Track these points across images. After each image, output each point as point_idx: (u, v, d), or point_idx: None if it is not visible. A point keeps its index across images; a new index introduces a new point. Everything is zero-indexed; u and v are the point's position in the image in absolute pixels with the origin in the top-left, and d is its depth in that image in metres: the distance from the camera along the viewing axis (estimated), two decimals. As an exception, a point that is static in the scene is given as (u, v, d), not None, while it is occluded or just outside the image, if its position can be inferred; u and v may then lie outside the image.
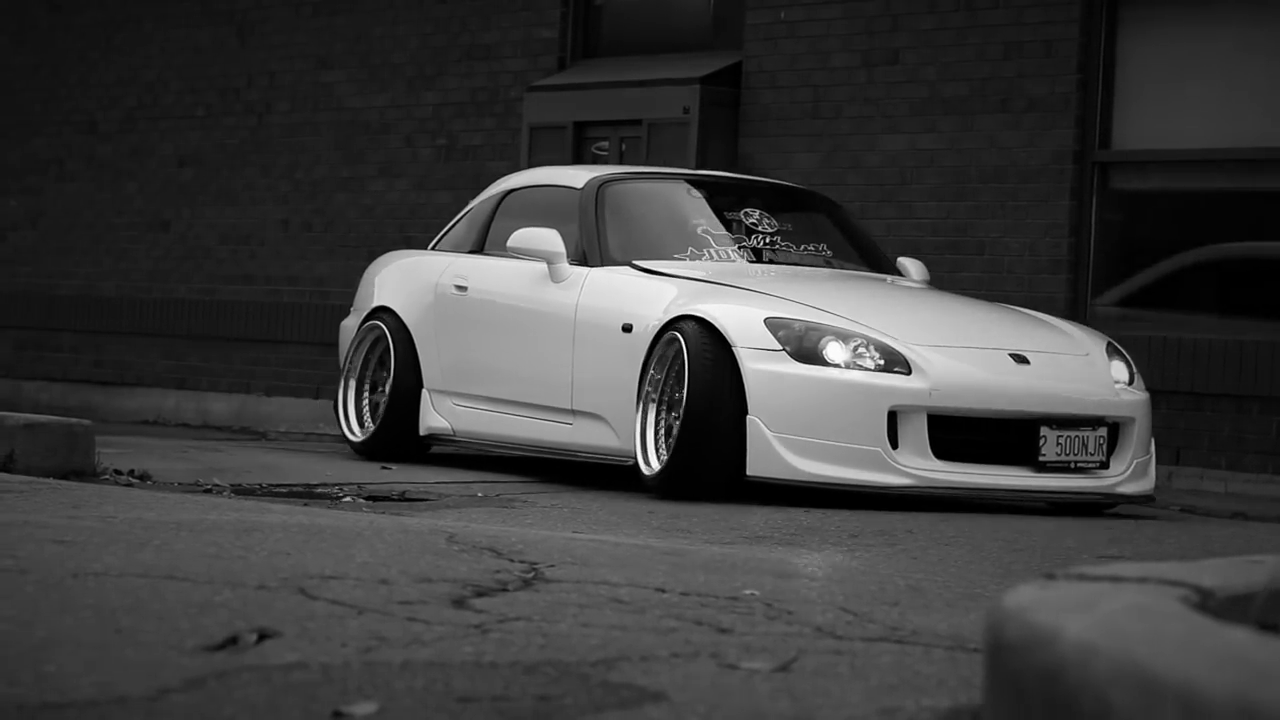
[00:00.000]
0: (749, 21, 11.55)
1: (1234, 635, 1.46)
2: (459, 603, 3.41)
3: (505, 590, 3.65)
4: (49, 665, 2.55)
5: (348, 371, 9.70)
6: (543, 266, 8.73)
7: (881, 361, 7.66)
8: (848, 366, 7.64)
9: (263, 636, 2.89)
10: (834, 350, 7.68)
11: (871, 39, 10.97)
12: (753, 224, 8.83)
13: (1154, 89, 10.08)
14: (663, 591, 3.81)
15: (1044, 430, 7.75)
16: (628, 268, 8.51)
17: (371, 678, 2.62)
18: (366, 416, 9.57)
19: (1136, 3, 10.22)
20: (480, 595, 3.54)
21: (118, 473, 7.39)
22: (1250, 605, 2.06)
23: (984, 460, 7.70)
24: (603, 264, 8.59)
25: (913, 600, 4.00)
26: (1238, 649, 1.35)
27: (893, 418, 7.60)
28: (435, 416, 9.27)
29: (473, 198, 12.64)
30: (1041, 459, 7.76)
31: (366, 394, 9.62)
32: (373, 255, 13.60)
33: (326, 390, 13.74)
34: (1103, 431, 7.84)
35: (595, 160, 12.02)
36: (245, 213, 14.45)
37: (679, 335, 7.77)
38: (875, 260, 9.17)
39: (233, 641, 2.84)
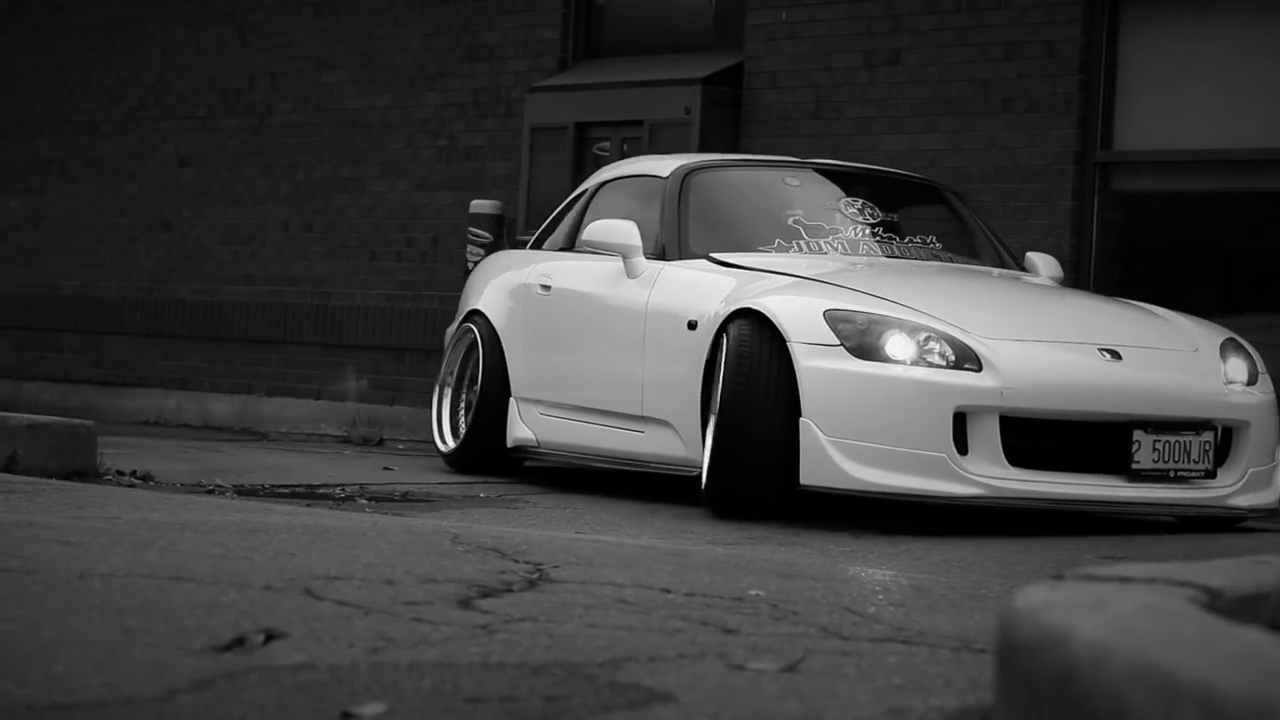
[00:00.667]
0: (750, 22, 11.56)
1: (1249, 635, 1.46)
2: (465, 603, 3.41)
3: (510, 591, 3.66)
4: (57, 666, 2.55)
5: (442, 379, 9.26)
6: (619, 262, 8.18)
7: (952, 357, 6.95)
8: (913, 363, 6.94)
9: (270, 637, 2.89)
10: (897, 344, 6.97)
11: (873, 39, 10.98)
12: (854, 214, 8.21)
13: (1156, 89, 10.08)
14: (668, 592, 3.81)
15: (1137, 434, 7.03)
16: (704, 261, 7.91)
17: (379, 678, 2.62)
18: (462, 426, 9.03)
19: (1138, 3, 10.23)
20: (486, 596, 3.54)
21: (120, 474, 7.40)
22: (1261, 605, 2.06)
23: (1068, 468, 6.99)
24: (680, 257, 8.03)
25: (917, 601, 4.00)
26: (1254, 649, 1.35)
27: (961, 420, 6.90)
28: (521, 427, 8.68)
29: (474, 199, 12.64)
30: (1135, 466, 7.02)
31: (462, 403, 9.16)
32: (374, 256, 13.62)
33: (328, 391, 13.74)
34: (1209, 436, 7.13)
35: (598, 160, 12.01)
36: (246, 213, 14.46)
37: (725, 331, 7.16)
38: (994, 254, 8.51)
39: (240, 642, 2.84)
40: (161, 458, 8.83)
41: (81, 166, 15.46)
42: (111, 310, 15.07)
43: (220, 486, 7.35)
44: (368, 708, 2.40)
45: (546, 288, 8.73)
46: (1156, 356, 7.26)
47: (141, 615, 3.03)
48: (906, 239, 8.23)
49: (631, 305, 8.01)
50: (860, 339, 6.99)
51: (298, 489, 7.60)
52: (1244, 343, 7.50)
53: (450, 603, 3.40)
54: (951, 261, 8.22)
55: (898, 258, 8.12)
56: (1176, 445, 7.10)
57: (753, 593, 3.92)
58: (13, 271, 15.87)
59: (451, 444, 8.93)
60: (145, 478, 7.35)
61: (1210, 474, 7.13)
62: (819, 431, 6.91)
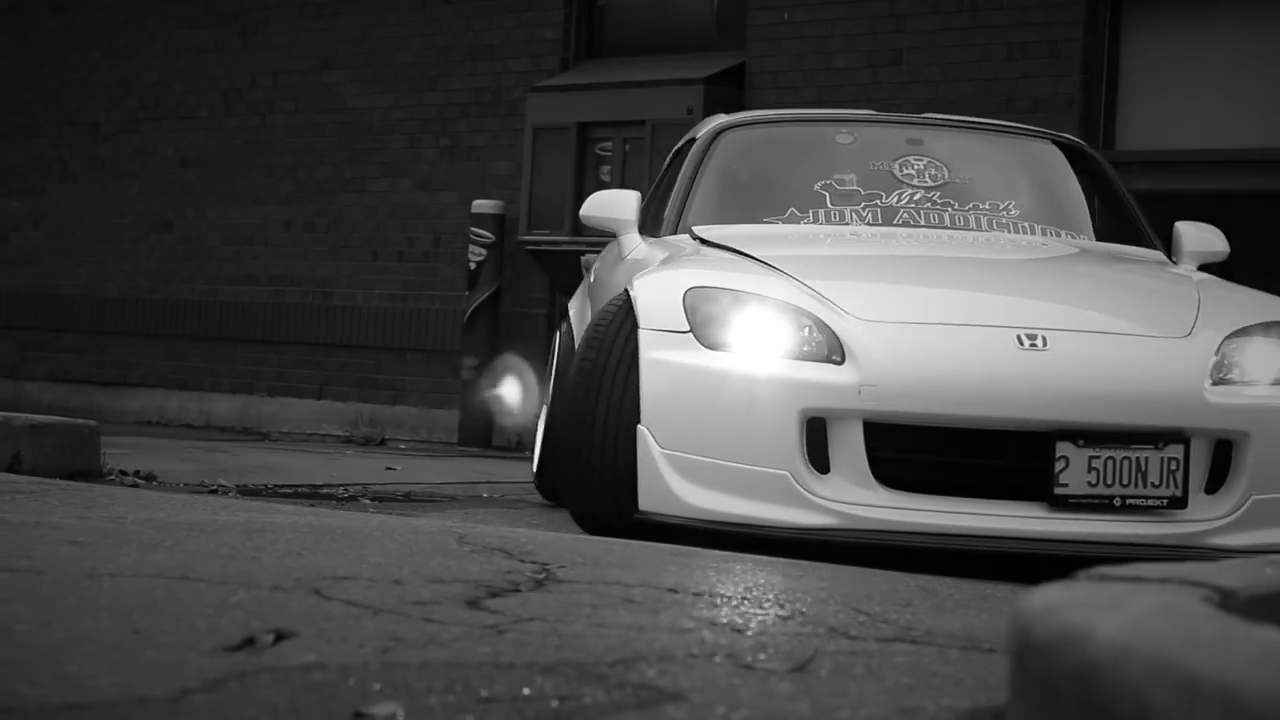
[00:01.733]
0: (752, 22, 11.56)
1: (1266, 635, 1.46)
2: (473, 603, 3.42)
3: (518, 591, 3.66)
4: (69, 666, 2.55)
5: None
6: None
7: (822, 348, 5.53)
8: (778, 355, 5.52)
9: (280, 637, 2.89)
10: (756, 330, 5.57)
11: (875, 39, 10.98)
12: (909, 176, 6.99)
13: (1157, 90, 10.09)
14: (675, 592, 3.81)
15: (1063, 447, 5.38)
16: (684, 236, 6.76)
17: (391, 678, 2.62)
18: None
19: (1140, 4, 10.23)
20: (494, 596, 3.54)
21: (123, 474, 7.40)
22: (1274, 605, 2.06)
23: (966, 492, 5.44)
24: (666, 232, 6.94)
25: (924, 600, 4.00)
26: (1273, 648, 1.35)
27: (820, 429, 5.46)
28: None
29: (476, 199, 12.66)
30: (1060, 491, 5.38)
31: None
32: (376, 256, 13.63)
33: (329, 391, 13.75)
34: (1176, 452, 5.41)
35: (599, 161, 12.01)
36: (248, 213, 14.46)
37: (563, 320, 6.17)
38: (1100, 224, 7.18)
39: (250, 642, 2.84)
40: (164, 458, 8.84)
41: (83, 167, 15.46)
42: (113, 310, 15.07)
43: (224, 486, 7.35)
44: (380, 708, 2.40)
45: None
46: (1107, 344, 5.62)
47: (151, 615, 3.04)
48: (971, 205, 6.91)
49: (609, 293, 6.80)
50: (713, 324, 5.61)
51: (301, 489, 7.60)
52: None
53: (458, 603, 3.40)
54: (1019, 232, 6.84)
55: (943, 227, 6.81)
56: (1126, 463, 5.45)
57: (759, 592, 3.92)
58: (14, 272, 15.87)
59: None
60: (149, 478, 7.35)
61: (1178, 502, 5.45)
62: (654, 443, 5.59)
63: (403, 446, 12.22)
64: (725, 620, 3.41)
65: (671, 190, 7.28)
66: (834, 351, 5.51)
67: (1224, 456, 5.57)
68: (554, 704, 2.51)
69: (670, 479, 5.53)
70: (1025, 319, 5.66)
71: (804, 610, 3.64)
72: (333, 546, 4.26)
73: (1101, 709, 1.39)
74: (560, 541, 4.87)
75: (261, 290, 14.13)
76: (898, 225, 6.81)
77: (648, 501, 5.56)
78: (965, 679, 2.90)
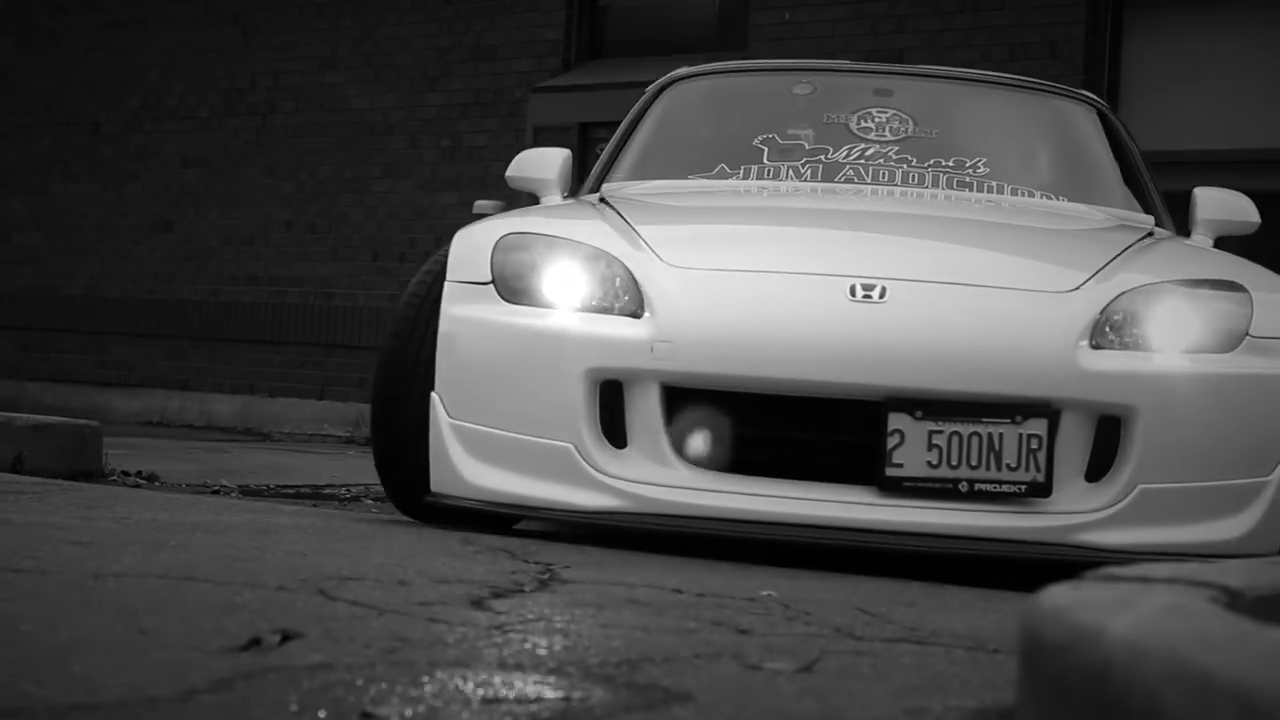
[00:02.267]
0: (754, 22, 11.56)
1: (1278, 635, 1.46)
2: (478, 604, 3.42)
3: (523, 591, 3.66)
4: (76, 666, 2.55)
5: None
6: None
7: (623, 299, 4.78)
8: (577, 307, 4.80)
9: (286, 638, 2.89)
10: (559, 278, 4.85)
11: (877, 40, 10.98)
12: (865, 129, 6.22)
13: (1159, 90, 10.09)
14: (679, 592, 3.81)
15: (897, 420, 4.56)
16: (592, 197, 5.97)
17: (398, 679, 2.62)
18: None
19: (1141, 4, 10.23)
20: (498, 596, 3.54)
21: (125, 474, 7.40)
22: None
23: (783, 472, 4.64)
24: (584, 192, 6.23)
25: (929, 600, 4.00)
26: (1285, 649, 1.36)
27: (616, 394, 4.70)
28: None
29: (478, 199, 12.66)
30: (892, 472, 4.57)
31: None
32: (377, 256, 13.63)
33: (330, 391, 13.74)
34: (1038, 428, 4.56)
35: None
36: (249, 214, 14.46)
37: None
38: (1087, 184, 6.29)
39: (256, 643, 2.84)
40: (166, 458, 8.84)
41: (84, 167, 15.46)
42: (114, 311, 15.08)
43: (226, 487, 7.35)
44: (386, 708, 2.40)
45: None
46: (960, 296, 4.73)
47: (157, 615, 3.04)
48: (932, 161, 6.11)
49: None
50: (518, 274, 4.91)
51: (303, 489, 7.61)
52: (1242, 284, 4.92)
53: (464, 603, 3.40)
54: (983, 191, 6.02)
55: (891, 185, 6.01)
56: (975, 440, 4.60)
57: (764, 593, 3.92)
58: (16, 272, 15.87)
59: None
60: (151, 478, 7.35)
61: (1040, 489, 4.59)
62: (443, 413, 4.93)
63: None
64: (730, 621, 3.41)
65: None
66: (635, 303, 4.76)
67: (1113, 436, 4.65)
68: (561, 705, 2.51)
69: (455, 454, 4.86)
70: (867, 268, 4.78)
71: (808, 611, 3.64)
72: (337, 547, 4.26)
73: (1114, 709, 1.39)
74: (564, 542, 4.88)
75: (263, 291, 14.13)
76: (839, 182, 5.98)
77: (438, 481, 4.91)
78: (972, 679, 2.90)
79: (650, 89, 6.74)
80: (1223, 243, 6.02)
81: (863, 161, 6.13)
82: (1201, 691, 1.24)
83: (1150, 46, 10.10)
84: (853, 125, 6.30)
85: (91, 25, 15.42)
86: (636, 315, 4.74)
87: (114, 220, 15.10)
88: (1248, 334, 4.80)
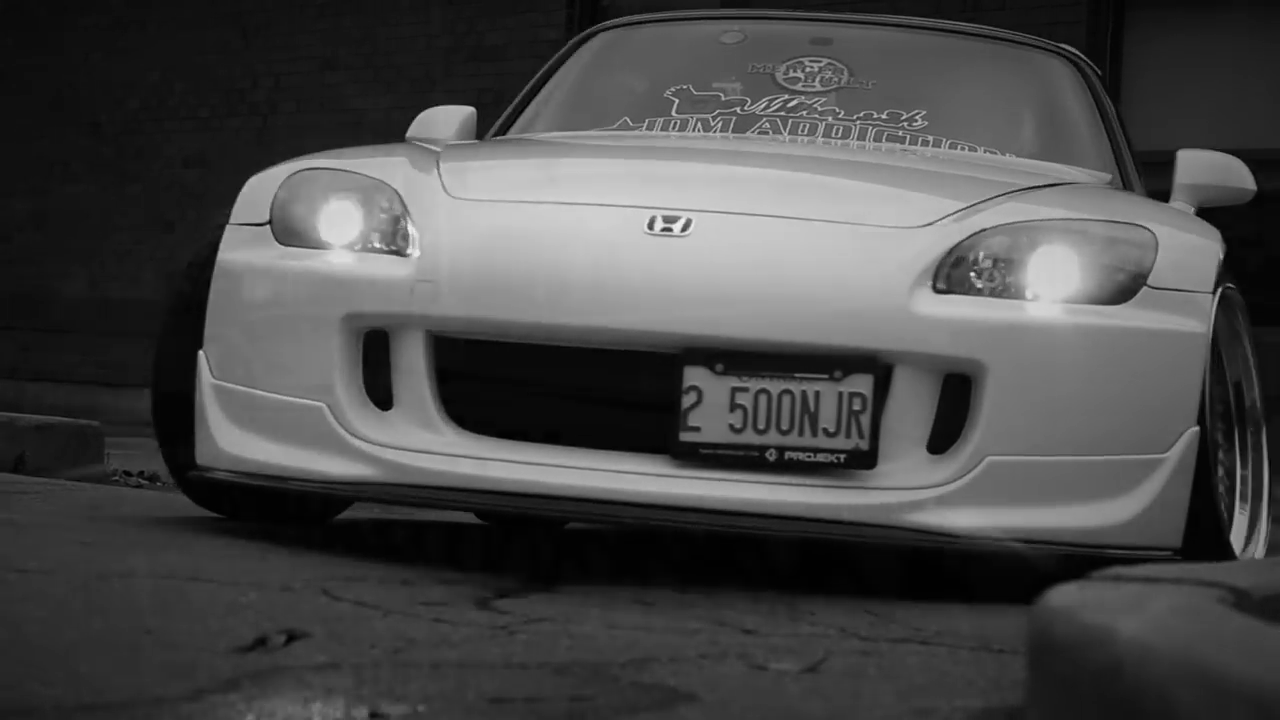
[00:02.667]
0: (755, 23, 11.57)
1: (1289, 635, 1.47)
2: (482, 604, 3.42)
3: (527, 591, 3.66)
4: (82, 666, 2.55)
5: None
6: None
7: (391, 232, 4.14)
8: (351, 247, 4.16)
9: (292, 638, 2.89)
10: (337, 215, 4.23)
11: (878, 40, 11.00)
12: (793, 80, 5.62)
13: (1161, 91, 10.09)
14: (683, 592, 3.81)
15: (694, 374, 3.86)
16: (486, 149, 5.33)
17: (404, 679, 2.62)
18: None
19: (1143, 4, 10.24)
20: (502, 596, 3.55)
21: (127, 474, 7.40)
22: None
23: (572, 438, 3.93)
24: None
25: (933, 600, 4.00)
26: (1297, 649, 1.36)
27: (379, 345, 4.06)
28: None
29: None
30: (686, 436, 3.87)
31: None
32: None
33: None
34: (862, 384, 3.84)
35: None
36: (250, 214, 14.46)
37: None
38: (1054, 142, 5.72)
39: (262, 643, 2.84)
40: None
41: (84, 168, 15.46)
42: (115, 311, 15.08)
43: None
44: (395, 708, 2.41)
45: None
46: (778, 230, 3.99)
47: (163, 615, 3.04)
48: (862, 114, 5.51)
49: None
50: (296, 212, 4.31)
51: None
52: (1145, 224, 4.17)
53: (468, 603, 3.40)
54: (914, 144, 5.41)
55: (809, 138, 5.42)
56: (786, 399, 3.86)
57: (768, 592, 3.92)
58: (17, 273, 15.87)
59: None
60: (153, 479, 7.34)
61: (863, 459, 3.86)
62: (208, 373, 4.29)
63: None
64: (734, 621, 3.41)
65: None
66: (405, 239, 4.12)
67: (963, 398, 3.91)
68: (567, 705, 2.51)
69: (214, 420, 4.22)
70: (674, 199, 4.07)
71: (812, 611, 3.64)
72: (340, 546, 4.27)
73: (1126, 710, 1.39)
74: (566, 540, 4.88)
75: (263, 291, 14.15)
76: (750, 135, 5.39)
77: (202, 452, 4.26)
78: (977, 679, 2.90)
79: (575, 39, 6.27)
80: (1212, 214, 5.24)
81: (783, 114, 5.50)
82: (1215, 691, 1.24)
83: (1152, 46, 10.10)
84: (779, 76, 5.71)
85: (91, 26, 15.42)
86: (403, 254, 4.09)
87: (114, 220, 15.10)
88: (1147, 283, 4.05)
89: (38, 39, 15.86)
